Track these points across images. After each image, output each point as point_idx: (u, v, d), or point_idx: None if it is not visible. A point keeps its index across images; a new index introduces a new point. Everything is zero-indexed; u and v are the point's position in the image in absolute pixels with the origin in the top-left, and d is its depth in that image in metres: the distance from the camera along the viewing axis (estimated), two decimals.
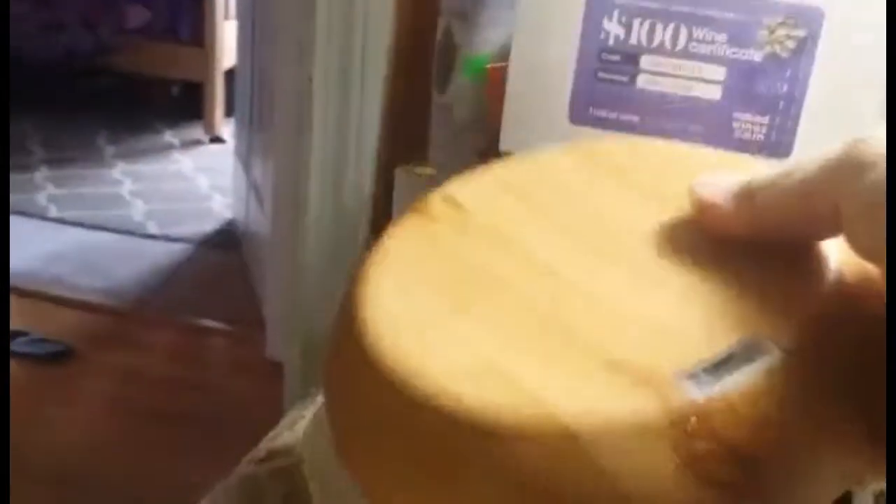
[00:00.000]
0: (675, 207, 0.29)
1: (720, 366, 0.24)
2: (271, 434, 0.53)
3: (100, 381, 1.74)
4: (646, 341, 0.25)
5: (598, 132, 0.50)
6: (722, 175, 0.27)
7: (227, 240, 2.34)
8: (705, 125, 0.48)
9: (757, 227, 0.26)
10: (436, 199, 0.32)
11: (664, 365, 0.24)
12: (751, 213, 0.26)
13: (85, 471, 1.49)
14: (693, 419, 0.23)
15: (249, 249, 2.17)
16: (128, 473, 1.49)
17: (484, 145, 0.52)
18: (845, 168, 0.23)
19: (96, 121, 3.11)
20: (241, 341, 1.89)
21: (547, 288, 0.28)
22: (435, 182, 0.60)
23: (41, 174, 2.68)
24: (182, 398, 1.71)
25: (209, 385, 1.77)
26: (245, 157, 2.26)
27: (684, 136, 0.48)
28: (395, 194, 0.59)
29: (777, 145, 0.47)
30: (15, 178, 2.54)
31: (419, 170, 0.58)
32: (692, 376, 0.24)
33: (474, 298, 0.28)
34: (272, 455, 0.50)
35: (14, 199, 2.39)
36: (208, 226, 2.43)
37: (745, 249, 0.27)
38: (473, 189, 0.32)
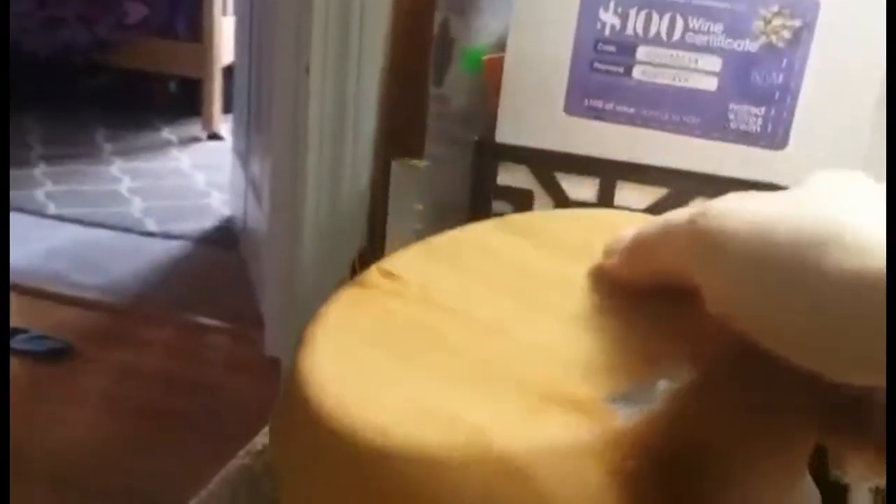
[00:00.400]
0: (588, 261, 0.33)
1: (640, 392, 0.26)
2: (267, 428, 0.53)
3: (98, 378, 1.74)
4: (574, 376, 0.27)
5: (593, 123, 0.49)
6: (627, 231, 0.31)
7: (225, 237, 2.34)
8: (701, 116, 0.48)
9: (645, 278, 0.29)
10: (372, 272, 0.35)
11: (594, 394, 0.26)
12: (635, 268, 0.30)
13: (83, 467, 1.49)
14: (626, 438, 0.25)
15: (248, 246, 2.17)
16: (126, 470, 1.49)
17: (481, 137, 0.52)
18: (698, 245, 0.26)
19: (95, 117, 3.11)
20: (240, 339, 1.89)
21: (479, 336, 0.30)
22: (430, 174, 0.60)
23: (40, 170, 2.68)
24: (180, 395, 1.71)
25: (207, 382, 1.77)
26: (243, 153, 2.26)
27: (680, 127, 0.48)
28: (392, 188, 0.58)
29: (773, 136, 0.47)
30: (13, 173, 2.54)
31: (415, 162, 0.58)
32: (618, 402, 0.26)
33: (412, 351, 0.30)
34: (267, 449, 0.49)
35: (12, 195, 2.39)
36: (207, 223, 2.43)
37: (651, 292, 0.30)
38: (405, 260, 0.35)
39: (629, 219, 0.36)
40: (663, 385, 0.26)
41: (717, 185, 0.48)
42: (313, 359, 0.30)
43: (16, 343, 1.75)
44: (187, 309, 1.98)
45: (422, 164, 0.57)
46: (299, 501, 0.29)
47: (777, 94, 0.47)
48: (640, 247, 0.29)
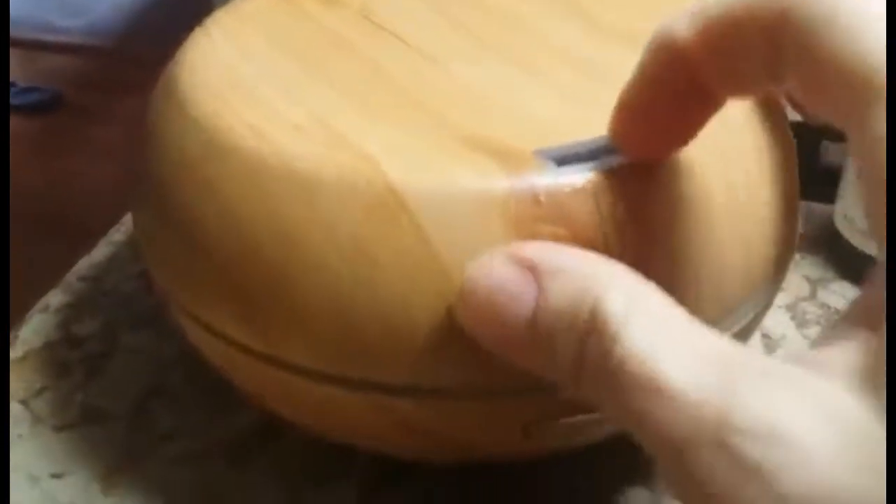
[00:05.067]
0: (578, 18, 0.28)
1: (590, 153, 0.22)
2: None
3: (94, 124, 1.71)
4: (511, 125, 0.23)
5: None
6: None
7: None
8: None
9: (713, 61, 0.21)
10: None
11: (524, 145, 0.22)
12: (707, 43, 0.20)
13: (83, 216, 1.50)
14: (542, 198, 0.21)
15: None
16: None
17: None
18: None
19: None
20: None
21: (414, 68, 0.26)
22: None
23: None
24: None
25: None
26: None
27: None
28: None
29: None
30: None
31: None
32: (556, 158, 0.21)
33: (326, 64, 0.27)
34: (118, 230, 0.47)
35: None
36: None
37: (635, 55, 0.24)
38: None
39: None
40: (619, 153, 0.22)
41: None
42: (204, 49, 0.28)
43: None
44: (177, 44, 1.90)
45: None
46: (166, 239, 0.25)
47: None
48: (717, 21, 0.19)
